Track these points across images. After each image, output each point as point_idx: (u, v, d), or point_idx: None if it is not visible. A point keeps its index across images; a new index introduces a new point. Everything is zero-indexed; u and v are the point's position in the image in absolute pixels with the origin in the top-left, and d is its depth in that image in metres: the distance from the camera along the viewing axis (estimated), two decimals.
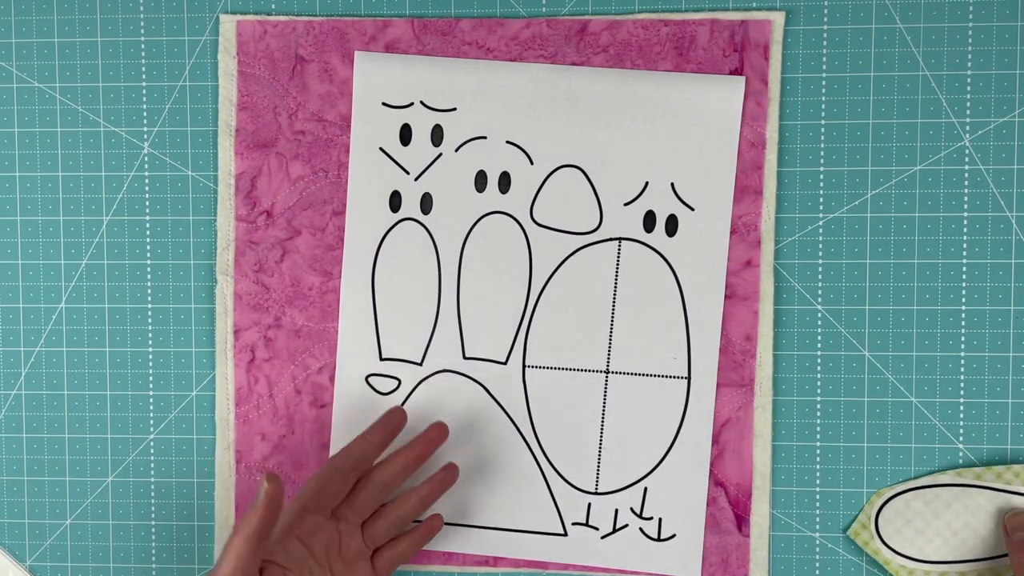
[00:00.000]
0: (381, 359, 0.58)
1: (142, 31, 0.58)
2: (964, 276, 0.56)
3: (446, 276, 0.57)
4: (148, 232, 0.58)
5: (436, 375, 0.58)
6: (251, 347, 0.58)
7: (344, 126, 0.57)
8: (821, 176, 0.56)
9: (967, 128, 0.56)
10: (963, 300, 0.56)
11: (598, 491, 0.58)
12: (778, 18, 0.56)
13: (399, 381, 0.58)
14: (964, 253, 0.56)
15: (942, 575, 0.52)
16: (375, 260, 0.57)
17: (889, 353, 0.57)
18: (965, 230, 0.56)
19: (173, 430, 0.59)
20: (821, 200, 0.56)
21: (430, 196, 0.57)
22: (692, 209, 0.56)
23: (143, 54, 0.58)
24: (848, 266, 0.56)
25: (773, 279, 0.56)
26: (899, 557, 0.52)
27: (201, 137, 0.58)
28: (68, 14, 0.58)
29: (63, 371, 0.59)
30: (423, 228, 0.57)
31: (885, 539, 0.51)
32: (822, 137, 0.56)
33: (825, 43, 0.56)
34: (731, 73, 0.56)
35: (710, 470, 0.57)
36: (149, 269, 0.58)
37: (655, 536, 0.57)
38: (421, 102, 0.57)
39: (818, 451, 0.57)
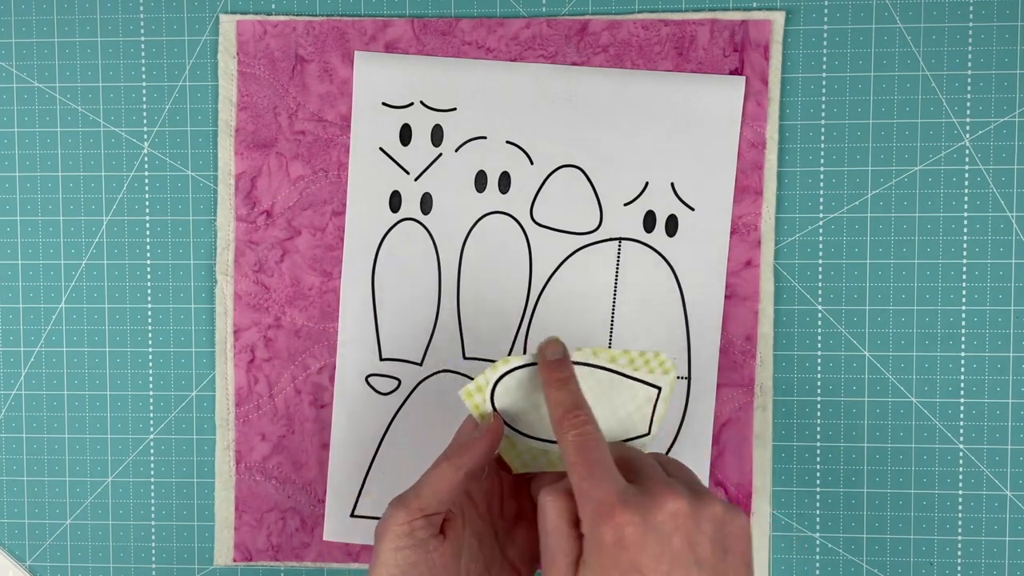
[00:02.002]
0: (381, 359, 0.58)
1: (142, 31, 0.58)
2: (964, 276, 0.56)
3: (446, 276, 0.57)
4: (148, 232, 0.58)
5: (436, 375, 0.58)
6: (251, 347, 0.58)
7: (344, 126, 0.57)
8: (821, 176, 0.56)
9: (967, 128, 0.56)
10: (963, 300, 0.56)
11: None
12: (778, 18, 0.56)
13: (399, 381, 0.58)
14: (964, 253, 0.56)
15: (544, 452, 0.50)
16: (375, 260, 0.57)
17: (889, 353, 0.57)
18: (965, 230, 0.56)
19: (173, 430, 0.59)
20: (821, 200, 0.56)
21: (430, 196, 0.57)
22: (692, 209, 0.56)
23: (143, 54, 0.58)
24: (848, 266, 0.57)
25: (773, 279, 0.57)
26: (505, 427, 0.49)
27: (201, 137, 0.58)
28: (68, 14, 0.58)
29: (63, 371, 0.59)
30: (423, 228, 0.57)
31: (499, 409, 0.48)
32: (822, 137, 0.56)
33: (825, 43, 0.56)
34: (731, 73, 0.56)
35: (710, 470, 0.57)
36: (149, 269, 0.58)
37: None
38: (421, 102, 0.57)
39: (818, 451, 0.57)
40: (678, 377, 0.57)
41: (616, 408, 0.49)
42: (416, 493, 0.46)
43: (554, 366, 0.47)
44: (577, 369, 0.48)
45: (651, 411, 0.50)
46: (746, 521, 0.43)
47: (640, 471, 0.44)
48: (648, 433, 0.50)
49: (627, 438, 0.50)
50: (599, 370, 0.49)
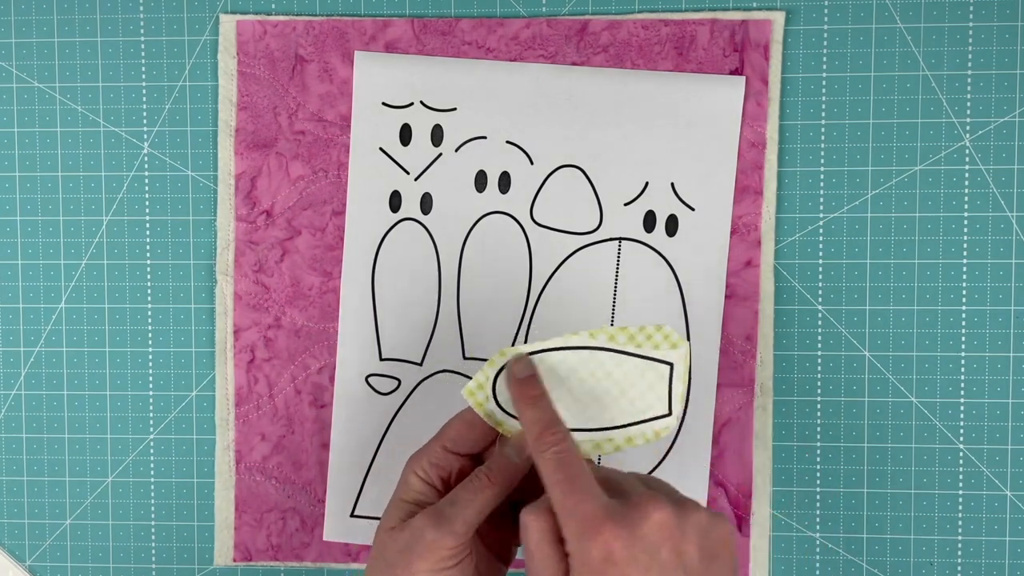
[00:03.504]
0: (381, 359, 0.58)
1: (142, 31, 0.58)
2: (964, 276, 0.56)
3: (446, 276, 0.57)
4: (148, 232, 0.58)
5: (436, 375, 0.58)
6: (251, 347, 0.58)
7: (344, 126, 0.57)
8: (821, 176, 0.56)
9: (967, 128, 0.56)
10: (963, 300, 0.56)
11: None
12: (778, 18, 0.56)
13: (399, 381, 0.58)
14: (964, 253, 0.56)
15: None
16: (375, 260, 0.57)
17: (889, 353, 0.57)
18: (965, 230, 0.56)
19: (173, 430, 0.59)
20: (821, 200, 0.56)
21: (430, 196, 0.57)
22: (692, 209, 0.56)
23: (143, 54, 0.58)
24: (848, 266, 0.57)
25: (773, 279, 0.57)
26: (513, 420, 0.49)
27: (201, 137, 0.58)
28: (68, 14, 0.58)
29: (63, 371, 0.59)
30: (423, 228, 0.57)
31: (501, 403, 0.49)
32: (822, 137, 0.56)
33: (825, 43, 0.56)
34: (731, 73, 0.56)
35: (710, 470, 0.57)
36: (149, 269, 0.58)
37: None
38: (421, 102, 0.57)
39: (818, 451, 0.57)
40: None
41: (625, 389, 0.49)
42: (462, 518, 0.46)
43: (525, 384, 0.47)
44: (576, 354, 0.48)
45: (667, 390, 0.49)
46: (731, 527, 0.43)
47: (620, 487, 0.44)
48: (669, 413, 0.49)
49: (643, 419, 0.49)
50: (599, 351, 0.49)
